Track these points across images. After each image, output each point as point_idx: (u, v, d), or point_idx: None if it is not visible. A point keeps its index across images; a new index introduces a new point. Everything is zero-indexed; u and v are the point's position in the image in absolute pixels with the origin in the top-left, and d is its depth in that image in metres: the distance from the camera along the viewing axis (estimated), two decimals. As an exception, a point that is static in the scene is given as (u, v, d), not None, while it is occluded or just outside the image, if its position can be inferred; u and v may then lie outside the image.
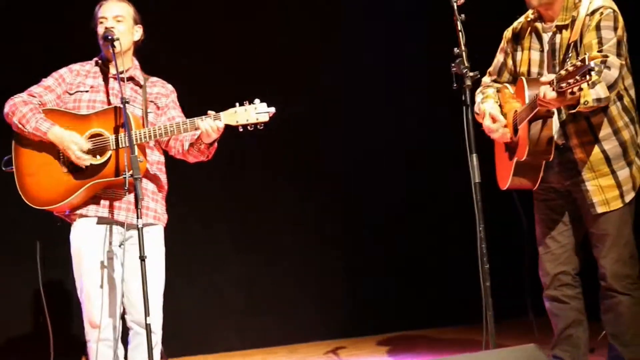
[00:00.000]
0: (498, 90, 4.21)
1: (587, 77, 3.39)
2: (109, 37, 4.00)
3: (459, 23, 3.67)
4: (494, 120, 4.06)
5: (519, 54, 4.12)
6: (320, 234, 7.14)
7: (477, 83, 4.21)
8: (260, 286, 6.89)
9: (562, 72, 3.50)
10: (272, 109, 3.98)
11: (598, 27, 3.78)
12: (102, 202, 4.07)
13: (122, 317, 4.08)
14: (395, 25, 7.30)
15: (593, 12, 3.81)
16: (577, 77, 3.41)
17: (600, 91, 3.64)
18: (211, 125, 3.94)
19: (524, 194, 4.27)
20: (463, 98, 3.62)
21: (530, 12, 4.05)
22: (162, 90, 4.29)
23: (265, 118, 3.97)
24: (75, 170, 4.02)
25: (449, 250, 7.24)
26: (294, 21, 7.05)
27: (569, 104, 3.66)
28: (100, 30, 4.11)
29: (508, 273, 5.91)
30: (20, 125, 4.02)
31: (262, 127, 3.99)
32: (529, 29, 4.06)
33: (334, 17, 7.16)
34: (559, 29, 3.92)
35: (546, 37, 3.99)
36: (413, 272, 7.24)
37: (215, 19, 6.77)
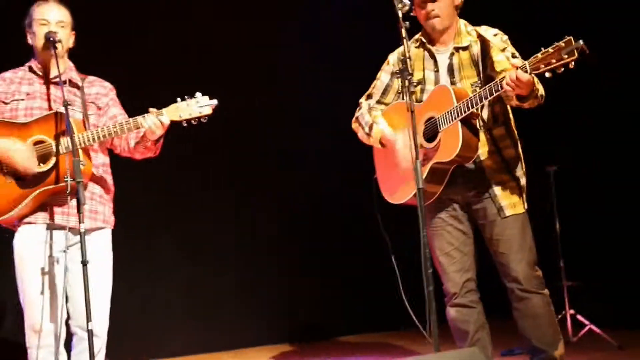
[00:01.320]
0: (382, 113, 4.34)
1: (569, 56, 3.54)
2: (51, 39, 3.93)
3: (403, 30, 3.70)
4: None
5: None
6: (262, 239, 7.14)
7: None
8: (204, 291, 6.86)
9: (539, 55, 3.63)
10: (215, 101, 3.97)
11: (502, 49, 4.02)
12: (49, 209, 4.00)
13: (66, 323, 4.02)
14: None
15: (494, 36, 4.07)
16: (563, 55, 3.55)
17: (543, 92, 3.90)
18: (154, 122, 3.92)
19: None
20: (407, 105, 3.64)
21: (419, 36, 4.23)
22: (101, 90, 4.23)
23: (208, 111, 3.96)
24: (19, 179, 3.93)
25: (388, 255, 7.27)
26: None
27: (529, 90, 3.78)
28: (41, 31, 4.02)
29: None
30: None
31: (205, 121, 3.98)
32: (419, 51, 4.21)
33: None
34: (457, 50, 4.13)
35: (441, 58, 4.17)
36: (357, 278, 7.28)
37: (155, 15, 6.79)
